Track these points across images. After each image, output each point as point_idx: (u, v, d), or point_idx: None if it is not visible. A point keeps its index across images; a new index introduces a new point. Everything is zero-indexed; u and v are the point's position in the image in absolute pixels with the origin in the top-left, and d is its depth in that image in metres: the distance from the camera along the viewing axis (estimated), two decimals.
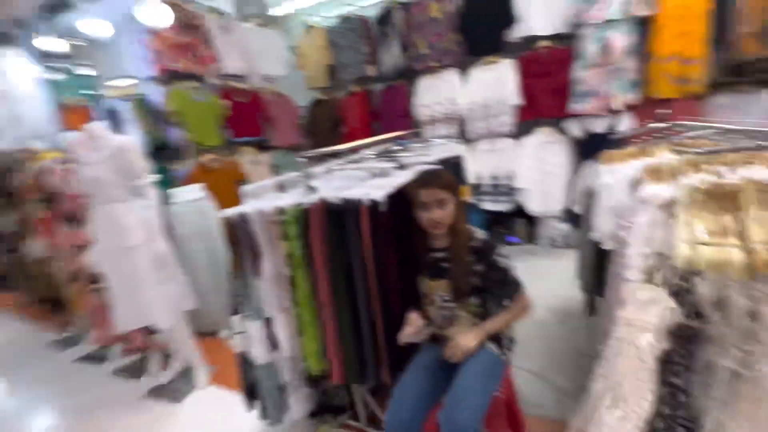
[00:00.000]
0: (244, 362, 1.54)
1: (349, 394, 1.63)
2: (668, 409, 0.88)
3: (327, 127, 4.12)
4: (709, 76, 2.62)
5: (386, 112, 3.90)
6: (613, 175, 1.72)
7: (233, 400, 1.71)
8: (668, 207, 1.03)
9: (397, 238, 1.27)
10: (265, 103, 3.66)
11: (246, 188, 1.56)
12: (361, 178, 1.50)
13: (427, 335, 1.27)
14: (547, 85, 3.08)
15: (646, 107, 2.87)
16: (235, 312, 1.54)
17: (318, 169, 1.62)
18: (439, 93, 3.51)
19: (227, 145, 3.41)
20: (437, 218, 1.16)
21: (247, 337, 1.50)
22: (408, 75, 3.67)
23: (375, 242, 1.21)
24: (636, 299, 0.92)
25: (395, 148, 1.82)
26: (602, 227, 1.71)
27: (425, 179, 1.20)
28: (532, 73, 3.14)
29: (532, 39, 3.08)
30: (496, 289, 1.22)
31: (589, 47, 2.84)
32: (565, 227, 3.35)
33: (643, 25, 2.73)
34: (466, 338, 1.14)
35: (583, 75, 2.90)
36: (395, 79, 3.75)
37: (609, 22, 2.76)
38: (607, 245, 1.63)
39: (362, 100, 3.92)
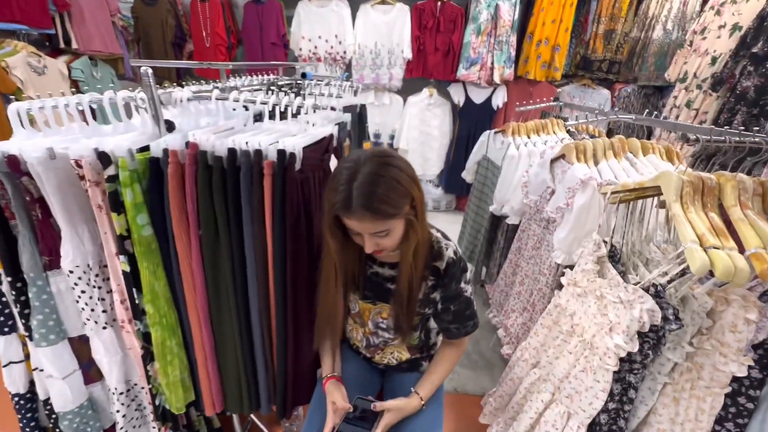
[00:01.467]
0: (31, 411, 0.92)
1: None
2: (615, 404, 0.86)
3: (159, 37, 3.01)
4: (567, 65, 2.95)
5: (251, 35, 3.08)
6: (518, 148, 1.70)
7: None
8: (611, 192, 0.98)
9: (307, 214, 0.86)
10: None
11: (19, 107, 0.83)
12: (245, 118, 0.99)
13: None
14: (441, 44, 2.94)
15: (517, 84, 3.09)
16: (4, 330, 0.87)
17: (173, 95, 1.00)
18: (324, 26, 2.94)
19: None
20: (377, 247, 0.74)
21: (38, 370, 0.88)
22: None
23: (281, 221, 0.78)
24: (606, 293, 0.85)
25: (286, 81, 1.32)
26: (505, 200, 1.71)
27: (352, 202, 0.66)
28: (426, 26, 2.93)
29: None
30: (450, 323, 0.90)
31: (483, 12, 2.79)
32: (439, 192, 3.47)
33: (529, 4, 2.83)
34: (407, 408, 0.86)
35: (474, 41, 2.86)
36: None
37: None
38: (511, 219, 1.64)
39: (218, 12, 2.97)
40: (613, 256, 0.94)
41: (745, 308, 0.71)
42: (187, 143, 0.77)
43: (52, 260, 0.82)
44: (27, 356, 0.92)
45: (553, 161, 1.38)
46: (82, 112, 0.92)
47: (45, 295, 0.82)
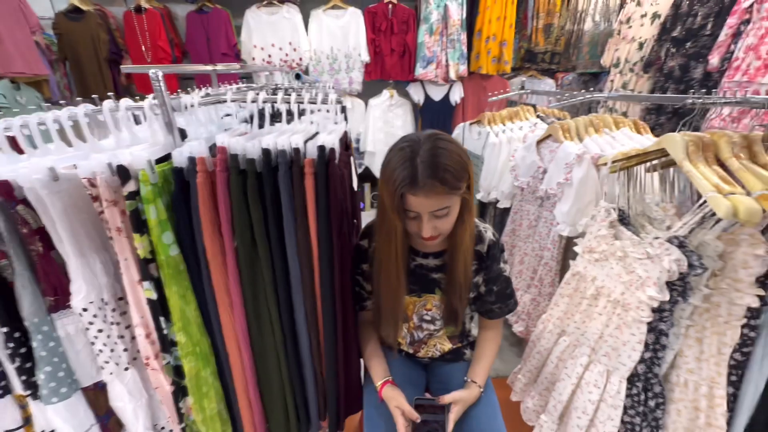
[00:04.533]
0: None
1: None
2: (650, 353, 0.93)
3: (91, 54, 2.73)
4: (514, 59, 3.15)
5: (197, 46, 2.91)
6: (497, 135, 1.78)
7: None
8: (611, 162, 1.06)
9: (345, 212, 0.83)
10: None
11: None
12: (242, 120, 0.93)
13: None
14: (396, 45, 3.00)
15: (472, 80, 3.24)
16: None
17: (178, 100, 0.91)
18: (277, 33, 2.87)
19: None
20: (433, 232, 0.72)
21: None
22: (230, 1, 2.81)
23: (326, 221, 0.75)
24: (630, 252, 0.91)
25: (282, 84, 1.27)
26: (492, 186, 1.77)
27: (419, 175, 0.65)
28: (380, 28, 2.98)
29: None
30: (493, 304, 0.92)
31: (433, 12, 2.90)
32: None
33: (474, 3, 2.99)
34: (470, 397, 0.86)
35: (427, 40, 2.96)
36: (210, 2, 2.81)
37: None
38: (503, 203, 1.71)
39: (158, 24, 2.77)
40: (623, 220, 1.01)
41: (753, 246, 0.80)
42: (211, 148, 0.71)
43: (57, 300, 0.70)
44: (27, 420, 0.78)
45: (538, 143, 1.47)
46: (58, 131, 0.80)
47: (52, 342, 0.70)
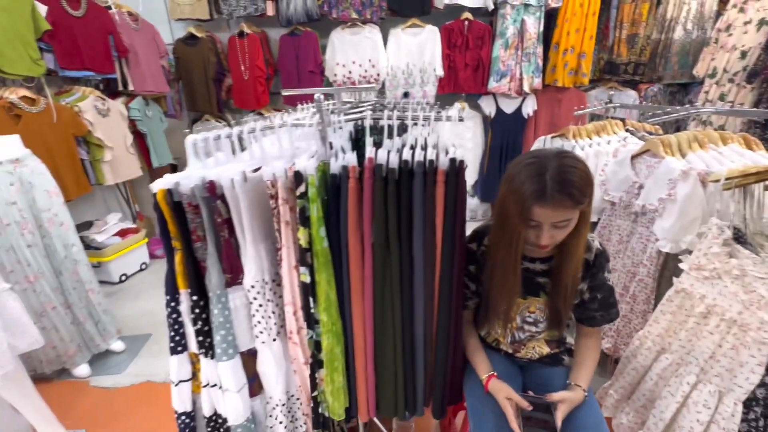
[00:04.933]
0: (193, 429, 0.96)
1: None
2: None
3: (201, 74, 3.15)
4: (593, 71, 3.08)
5: (287, 65, 3.23)
6: (583, 149, 1.78)
7: None
8: (716, 180, 1.05)
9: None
10: (116, 24, 2.47)
11: (194, 139, 0.91)
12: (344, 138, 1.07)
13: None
14: (470, 60, 3.08)
15: (546, 92, 3.21)
16: (177, 350, 0.92)
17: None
18: (358, 51, 3.09)
19: (50, 78, 2.17)
20: (550, 241, 0.79)
21: (209, 386, 0.92)
22: (319, 24, 3.09)
23: (452, 225, 0.84)
24: (750, 271, 0.90)
25: (391, 102, 1.40)
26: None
27: (548, 189, 0.71)
28: (455, 44, 3.08)
29: (456, 9, 3.00)
30: (596, 311, 0.95)
31: (510, 27, 2.94)
32: (475, 202, 3.54)
33: (552, 16, 2.98)
34: (576, 399, 0.90)
35: (502, 54, 3.00)
36: (302, 25, 3.11)
37: (526, 6, 2.90)
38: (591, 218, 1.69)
39: (256, 45, 3.12)
40: (739, 238, 0.99)
41: None
42: (360, 159, 0.84)
43: (232, 278, 0.88)
44: (193, 374, 0.96)
45: (633, 157, 1.45)
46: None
47: (227, 311, 0.87)
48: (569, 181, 0.72)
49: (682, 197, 1.18)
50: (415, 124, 0.98)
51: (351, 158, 0.82)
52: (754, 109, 1.80)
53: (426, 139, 1.01)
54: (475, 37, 3.06)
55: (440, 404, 0.98)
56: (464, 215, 0.86)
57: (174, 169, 3.37)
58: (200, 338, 0.90)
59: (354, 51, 3.09)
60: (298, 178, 0.78)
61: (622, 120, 1.90)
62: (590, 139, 1.83)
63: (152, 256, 3.00)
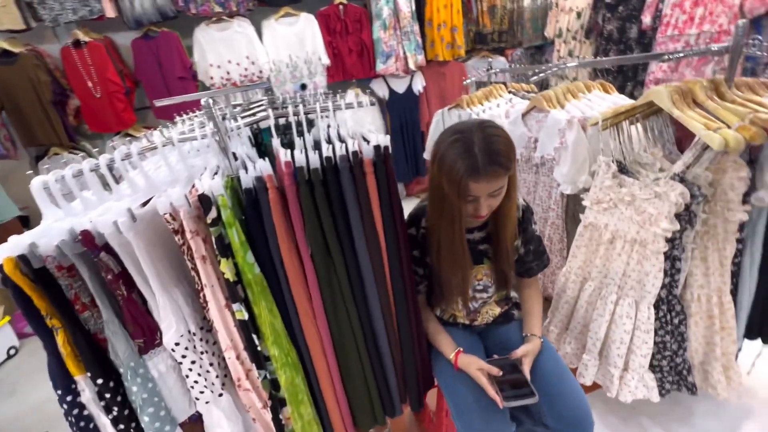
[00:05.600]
0: None
1: None
2: (669, 278, 1.07)
3: (32, 98, 2.53)
4: (466, 42, 3.30)
5: (148, 73, 2.79)
6: (478, 116, 1.89)
7: None
8: (595, 124, 1.20)
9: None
10: None
11: (44, 181, 0.69)
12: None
13: None
14: (353, 44, 3.04)
15: (430, 68, 3.35)
16: None
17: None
18: (232, 49, 2.80)
19: None
20: (488, 210, 0.81)
21: None
22: (177, 22, 2.71)
23: (390, 215, 0.80)
24: (638, 194, 1.04)
25: (288, 97, 1.29)
26: None
27: (479, 164, 0.72)
28: (335, 30, 3.00)
29: None
30: (531, 262, 1.03)
31: (384, 8, 2.96)
32: None
33: None
34: (535, 349, 0.95)
35: (383, 35, 3.02)
36: (156, 26, 2.69)
37: None
38: None
39: (102, 55, 2.61)
40: (622, 169, 1.15)
41: (737, 170, 0.96)
42: (272, 165, 0.73)
43: (145, 341, 0.70)
44: None
45: (523, 115, 1.59)
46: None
47: (150, 383, 0.70)
48: (497, 150, 0.73)
49: (572, 143, 1.32)
50: (326, 116, 0.90)
51: (264, 166, 0.71)
52: (604, 58, 2.14)
53: (338, 131, 0.94)
54: (353, 21, 3.01)
55: (417, 396, 0.95)
56: (399, 201, 0.82)
57: (26, 222, 2.68)
58: (121, 427, 0.71)
59: (227, 49, 2.79)
60: (206, 202, 0.65)
61: (504, 84, 2.07)
62: (482, 105, 1.96)
63: (21, 335, 2.38)
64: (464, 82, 2.13)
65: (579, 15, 2.82)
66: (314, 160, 0.73)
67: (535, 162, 1.53)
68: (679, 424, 1.31)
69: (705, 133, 0.88)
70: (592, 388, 1.27)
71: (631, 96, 2.48)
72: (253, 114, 1.14)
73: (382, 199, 0.78)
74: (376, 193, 0.77)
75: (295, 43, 2.94)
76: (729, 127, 0.90)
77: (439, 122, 2.18)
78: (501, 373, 0.86)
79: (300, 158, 0.72)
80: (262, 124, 1.07)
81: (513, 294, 1.12)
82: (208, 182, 0.66)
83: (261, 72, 2.93)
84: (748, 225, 1.06)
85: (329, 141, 0.83)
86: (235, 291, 0.71)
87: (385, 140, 0.77)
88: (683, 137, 1.15)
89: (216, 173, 0.72)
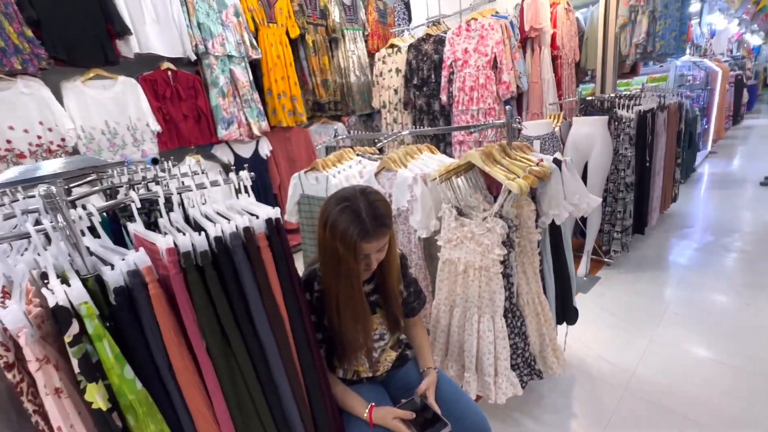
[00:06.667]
0: None
1: None
2: (507, 292, 1.36)
3: None
4: (306, 110, 3.57)
5: None
6: (335, 177, 2.06)
7: None
8: (434, 179, 1.50)
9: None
10: None
11: None
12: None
13: None
14: (188, 111, 2.86)
15: (275, 133, 3.44)
16: None
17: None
18: (17, 113, 2.23)
19: None
20: (376, 263, 0.92)
21: None
22: None
23: (290, 284, 0.80)
24: (476, 231, 1.33)
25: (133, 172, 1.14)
26: None
27: (369, 227, 0.82)
28: (164, 96, 2.78)
29: (152, 58, 2.71)
30: (413, 302, 1.16)
31: (220, 77, 2.95)
32: None
33: (257, 66, 3.22)
34: (434, 380, 1.05)
35: (222, 102, 2.98)
36: None
37: (230, 58, 3.00)
38: None
39: None
40: (460, 212, 1.45)
41: (528, 205, 1.35)
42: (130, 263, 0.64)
43: None
44: None
45: (376, 175, 1.82)
46: None
47: None
48: (381, 213, 0.85)
49: (420, 195, 1.59)
50: (189, 191, 0.84)
51: (138, 257, 0.61)
52: (435, 128, 2.69)
53: (213, 206, 0.90)
54: (185, 88, 2.86)
55: None
56: (295, 269, 0.82)
57: None
58: None
59: (10, 113, 2.20)
60: (63, 316, 0.51)
61: (351, 147, 2.32)
62: (336, 167, 2.14)
63: None
64: (317, 147, 2.28)
65: (396, 91, 3.48)
66: (201, 243, 0.68)
67: (393, 214, 1.75)
68: (536, 407, 1.62)
69: (507, 182, 1.23)
70: (475, 401, 1.46)
71: (446, 153, 3.17)
72: (83, 196, 0.96)
73: (280, 270, 0.76)
74: (274, 266, 0.75)
75: (113, 107, 2.57)
76: (518, 176, 1.29)
77: (297, 185, 2.25)
78: (414, 415, 0.91)
79: (185, 242, 0.65)
80: (132, 207, 0.91)
81: (402, 336, 1.22)
82: (59, 290, 0.52)
83: (63, 140, 2.41)
84: (542, 241, 1.49)
85: (210, 218, 0.78)
86: (108, 422, 0.55)
87: (275, 213, 0.78)
88: (491, 184, 1.56)
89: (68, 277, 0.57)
